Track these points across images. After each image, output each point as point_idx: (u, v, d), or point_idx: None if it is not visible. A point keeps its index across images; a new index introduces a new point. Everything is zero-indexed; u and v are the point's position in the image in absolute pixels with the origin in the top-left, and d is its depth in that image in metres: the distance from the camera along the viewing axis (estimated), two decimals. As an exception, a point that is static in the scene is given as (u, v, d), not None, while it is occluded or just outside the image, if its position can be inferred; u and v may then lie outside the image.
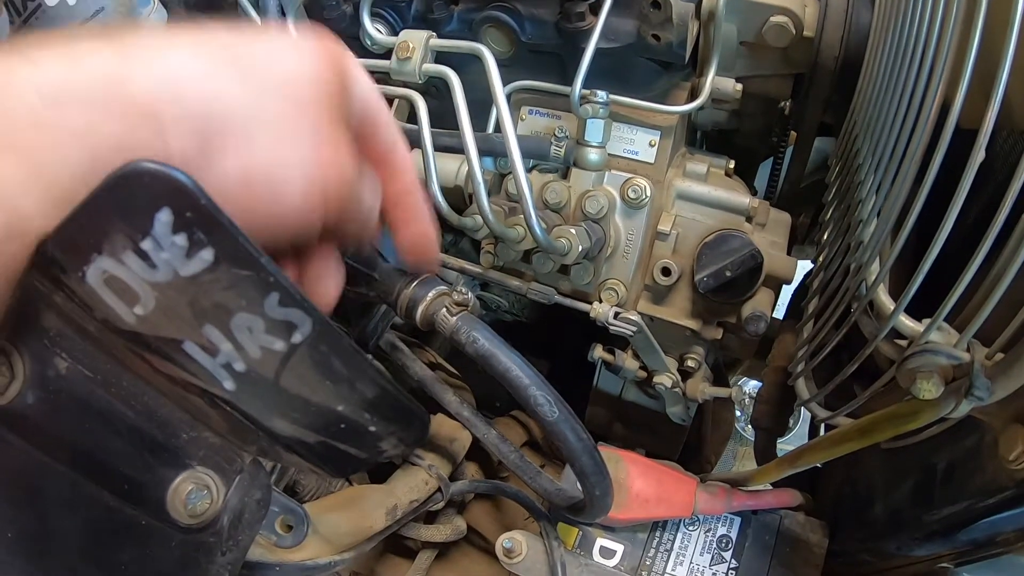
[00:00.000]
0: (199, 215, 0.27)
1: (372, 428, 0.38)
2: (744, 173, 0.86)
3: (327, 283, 0.39)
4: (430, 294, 0.45)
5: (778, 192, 0.84)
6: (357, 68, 0.38)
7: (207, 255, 0.28)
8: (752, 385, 1.58)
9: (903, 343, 0.48)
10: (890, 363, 0.49)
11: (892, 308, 0.46)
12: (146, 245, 0.27)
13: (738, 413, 1.67)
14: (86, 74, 0.27)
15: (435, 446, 0.73)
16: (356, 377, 0.35)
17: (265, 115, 0.32)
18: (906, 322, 0.46)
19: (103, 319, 0.29)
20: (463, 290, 0.45)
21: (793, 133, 0.82)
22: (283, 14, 0.70)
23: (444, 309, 0.44)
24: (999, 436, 0.48)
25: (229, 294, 0.30)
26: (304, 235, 0.35)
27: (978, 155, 0.42)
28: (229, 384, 0.32)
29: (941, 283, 0.45)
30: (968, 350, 0.46)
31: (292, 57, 0.34)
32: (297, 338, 0.32)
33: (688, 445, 0.92)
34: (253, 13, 0.70)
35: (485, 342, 0.43)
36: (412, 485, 0.64)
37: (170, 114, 0.28)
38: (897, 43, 0.54)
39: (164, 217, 0.27)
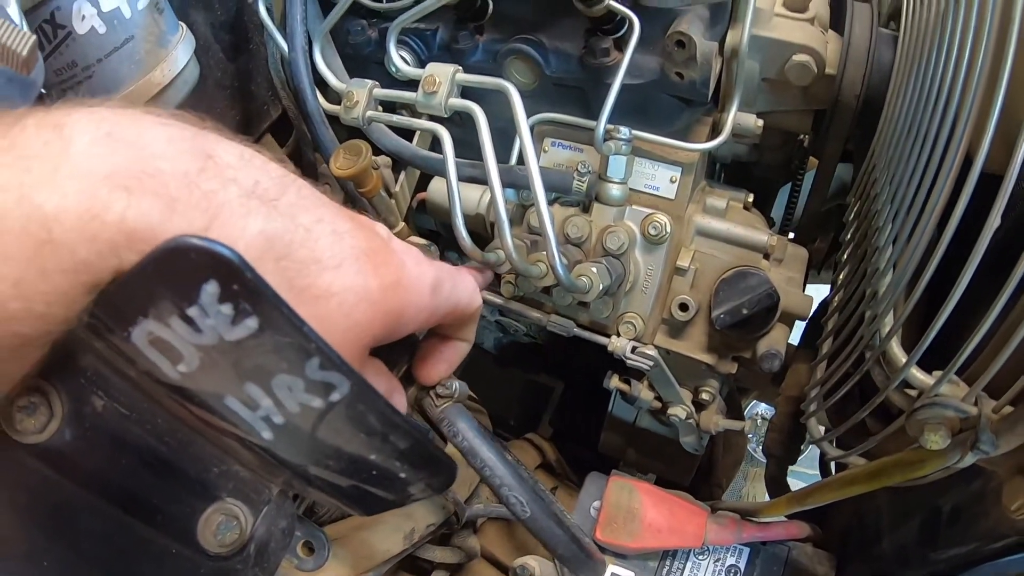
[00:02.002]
0: (245, 287, 0.29)
1: (402, 475, 0.40)
2: (762, 201, 0.88)
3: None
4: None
5: (795, 220, 0.86)
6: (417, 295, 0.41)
7: (252, 323, 0.30)
8: (764, 407, 1.60)
9: (913, 393, 0.49)
10: (901, 410, 0.51)
11: (904, 360, 0.48)
12: (192, 312, 0.29)
13: (749, 435, 1.69)
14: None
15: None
16: (390, 431, 0.37)
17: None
18: (917, 375, 0.48)
19: (145, 371, 0.31)
20: (447, 383, 0.49)
21: (812, 159, 0.84)
22: (310, 39, 0.72)
23: (429, 398, 0.48)
24: (1003, 485, 0.50)
25: (271, 357, 0.32)
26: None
27: (994, 221, 0.43)
28: (267, 434, 0.34)
29: (954, 334, 0.47)
30: (976, 403, 0.47)
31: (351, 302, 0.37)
32: (335, 397, 0.34)
33: (700, 469, 0.94)
34: (279, 38, 0.72)
35: (466, 438, 0.47)
36: (430, 509, 0.67)
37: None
38: (920, 88, 0.55)
39: (211, 288, 0.29)
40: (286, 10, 0.70)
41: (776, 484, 0.81)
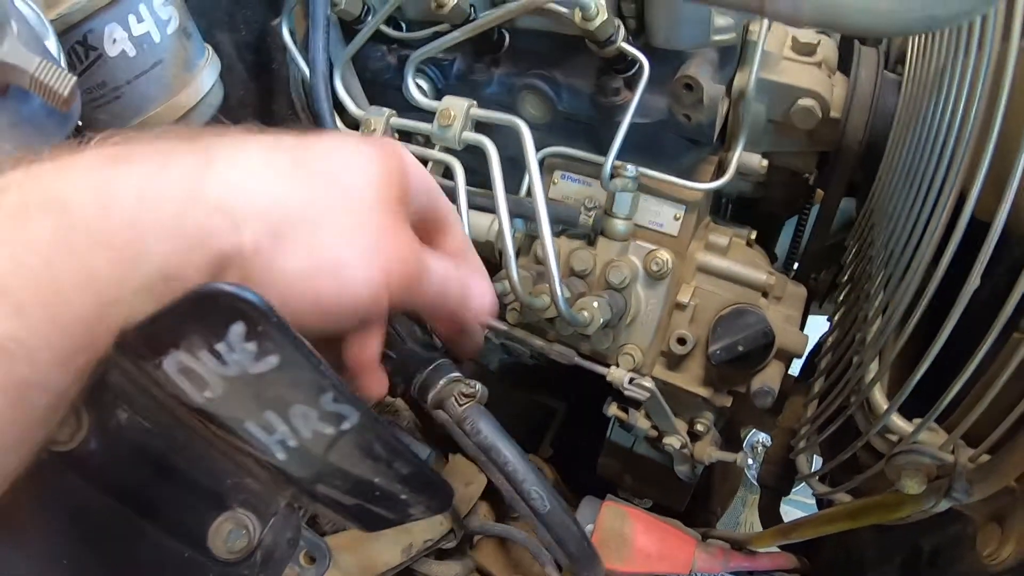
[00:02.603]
0: (269, 329, 0.33)
1: (404, 496, 0.44)
2: (767, 235, 0.92)
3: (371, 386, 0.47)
4: (441, 381, 0.52)
5: (800, 255, 0.90)
6: (415, 166, 0.44)
7: (273, 360, 0.34)
8: (764, 436, 1.63)
9: (894, 438, 0.53)
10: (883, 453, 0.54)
11: (885, 407, 0.52)
12: (220, 347, 0.33)
13: (750, 461, 1.72)
14: (175, 176, 0.33)
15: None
16: (394, 458, 0.41)
17: (330, 215, 0.38)
18: (897, 422, 0.52)
19: (172, 395, 0.36)
20: (471, 383, 0.52)
21: (819, 191, 0.87)
22: (331, 64, 0.77)
23: (453, 398, 0.51)
24: (978, 531, 0.53)
25: (290, 390, 0.36)
26: (372, 317, 0.41)
27: (974, 280, 0.47)
28: (281, 456, 0.39)
29: (941, 383, 0.51)
30: (953, 451, 0.51)
31: (354, 162, 0.40)
32: (346, 426, 0.38)
33: (696, 496, 0.98)
34: (302, 63, 0.77)
35: (488, 435, 0.50)
36: (428, 525, 0.71)
37: (243, 212, 0.34)
38: (916, 139, 0.59)
39: (238, 328, 0.33)
40: (309, 35, 0.74)
41: (769, 515, 0.85)
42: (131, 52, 0.64)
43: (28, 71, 0.44)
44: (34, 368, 0.27)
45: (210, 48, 0.72)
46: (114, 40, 0.62)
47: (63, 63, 0.52)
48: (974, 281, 0.46)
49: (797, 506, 1.23)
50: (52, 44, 0.52)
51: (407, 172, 0.43)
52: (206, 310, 0.32)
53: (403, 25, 0.79)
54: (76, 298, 0.28)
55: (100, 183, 0.30)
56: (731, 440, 0.98)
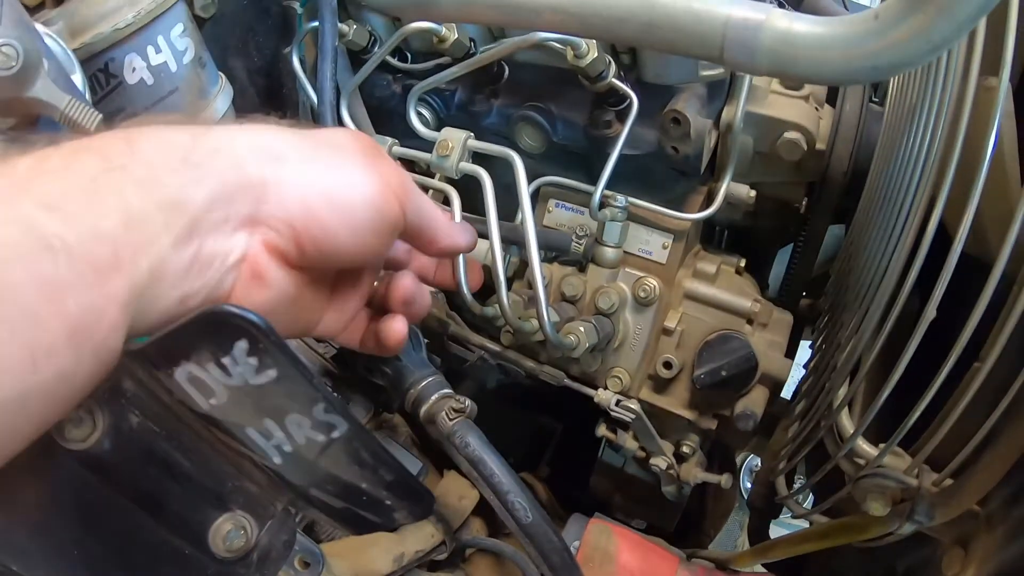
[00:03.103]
0: (269, 346, 0.38)
1: (388, 502, 0.48)
2: (760, 263, 0.96)
3: (404, 280, 0.54)
4: (433, 396, 0.57)
5: (790, 281, 0.93)
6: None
7: (272, 373, 0.39)
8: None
9: (861, 461, 0.57)
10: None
11: (851, 431, 0.56)
12: (225, 361, 0.38)
13: (749, 485, 1.75)
14: (183, 132, 0.39)
15: (445, 501, 0.84)
16: (379, 465, 0.46)
17: (322, 149, 0.44)
18: (863, 446, 0.56)
19: (181, 401, 0.40)
20: (461, 399, 0.56)
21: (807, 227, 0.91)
22: (338, 91, 0.82)
23: (444, 412, 0.56)
24: (943, 555, 0.57)
25: (286, 400, 0.41)
26: (395, 223, 0.46)
27: (930, 312, 0.51)
28: (277, 459, 0.43)
29: (910, 407, 0.55)
30: (917, 476, 0.55)
31: (338, 132, 0.48)
32: (336, 434, 0.43)
33: (690, 518, 1.02)
34: (310, 90, 0.82)
35: (476, 448, 0.55)
36: (420, 537, 0.75)
37: (242, 151, 0.40)
38: (890, 171, 0.63)
39: (242, 344, 0.38)
40: (318, 64, 0.79)
41: (758, 536, 0.88)
42: (149, 80, 0.69)
43: (59, 108, 0.49)
44: (73, 267, 0.32)
45: (223, 76, 0.77)
46: (133, 69, 0.68)
47: (87, 94, 0.57)
48: (930, 313, 0.50)
49: (791, 529, 1.26)
50: (78, 78, 0.57)
51: (369, 138, 0.50)
52: (215, 328, 0.37)
53: (408, 55, 0.84)
54: (109, 217, 0.33)
55: (128, 138, 0.37)
56: (726, 464, 1.02)
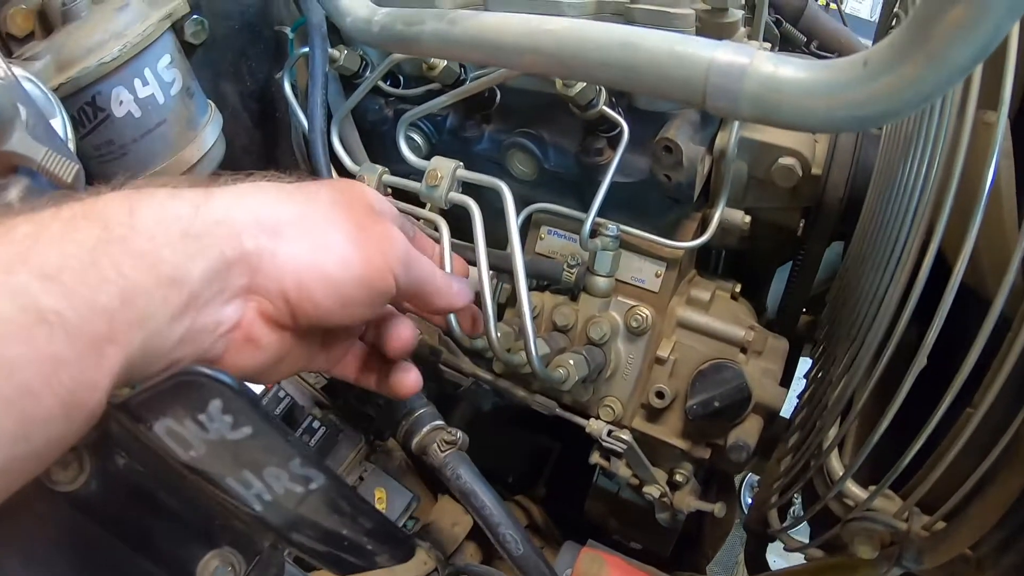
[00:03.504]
0: (242, 405, 0.38)
1: (369, 547, 0.49)
2: (758, 284, 0.95)
3: (401, 328, 0.54)
4: (424, 429, 0.56)
5: (787, 303, 0.93)
6: (374, 193, 0.52)
7: (247, 430, 0.39)
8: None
9: (851, 503, 0.56)
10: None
11: (841, 473, 0.55)
12: (202, 418, 0.39)
13: (749, 501, 1.74)
14: (184, 203, 0.39)
15: (438, 528, 0.83)
16: (358, 514, 0.46)
17: (319, 216, 0.45)
18: (852, 488, 0.55)
19: (162, 451, 0.40)
20: (452, 431, 0.56)
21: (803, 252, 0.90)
22: (330, 116, 0.82)
23: (435, 444, 0.55)
24: (933, 599, 0.56)
25: (263, 454, 0.41)
26: (387, 294, 0.47)
27: (921, 360, 0.50)
28: (258, 507, 0.43)
29: (900, 447, 0.54)
30: (907, 519, 0.54)
31: (324, 187, 0.48)
32: (313, 486, 0.43)
33: (688, 539, 1.01)
34: (301, 116, 0.82)
35: (467, 480, 0.54)
36: (412, 564, 0.74)
37: (241, 223, 0.41)
38: (886, 203, 0.62)
39: (217, 403, 0.38)
40: (309, 92, 0.79)
41: (755, 559, 0.88)
42: (136, 113, 0.69)
43: (36, 160, 0.49)
44: (69, 343, 0.32)
45: (212, 105, 0.77)
46: (120, 102, 0.68)
47: (70, 134, 0.57)
48: (920, 361, 0.49)
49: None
50: (59, 123, 0.57)
51: (370, 193, 0.51)
52: (190, 390, 0.38)
53: (401, 79, 0.84)
54: (107, 291, 0.34)
55: (129, 207, 0.37)
56: (725, 486, 1.01)
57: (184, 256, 0.38)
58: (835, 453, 0.56)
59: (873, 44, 0.41)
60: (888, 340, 0.53)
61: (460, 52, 0.50)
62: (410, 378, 0.55)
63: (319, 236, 0.44)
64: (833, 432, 0.57)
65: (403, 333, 0.54)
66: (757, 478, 1.69)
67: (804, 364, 0.93)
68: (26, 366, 0.31)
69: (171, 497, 0.42)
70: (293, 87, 0.84)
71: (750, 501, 1.76)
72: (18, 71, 0.51)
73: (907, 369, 0.51)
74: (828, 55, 1.14)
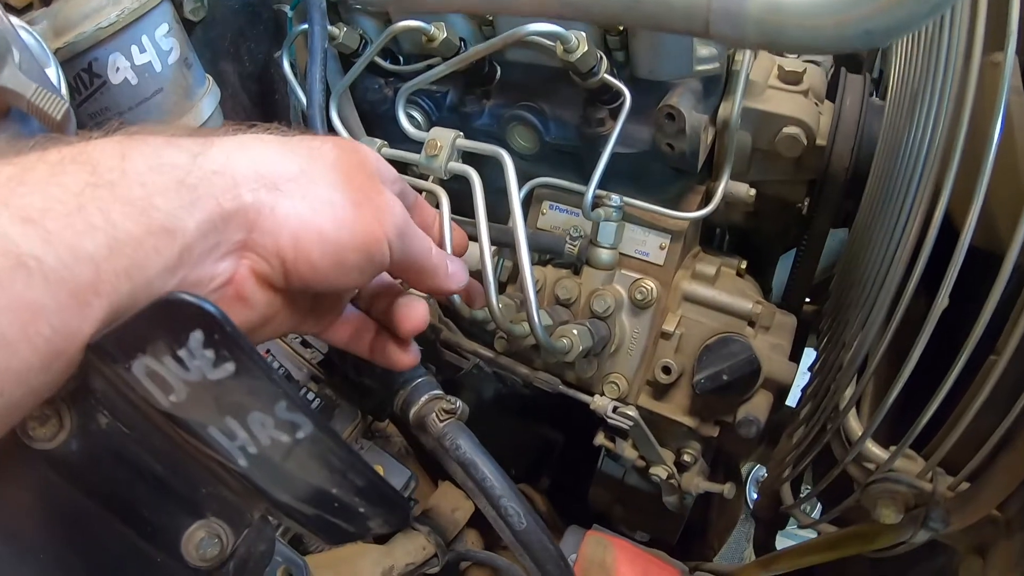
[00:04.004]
0: (224, 337, 0.35)
1: (361, 509, 0.45)
2: (763, 266, 0.92)
3: (414, 309, 0.51)
4: (423, 398, 0.53)
5: (793, 285, 0.89)
6: (380, 159, 0.49)
7: (230, 367, 0.36)
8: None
9: (871, 466, 0.53)
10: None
11: (860, 434, 0.52)
12: (181, 353, 0.35)
13: (755, 495, 1.70)
14: (180, 150, 0.37)
15: (438, 513, 0.80)
16: (348, 469, 0.42)
17: (319, 174, 0.42)
18: (872, 449, 0.52)
19: (142, 398, 0.37)
20: (451, 399, 0.52)
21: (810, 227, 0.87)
22: (328, 94, 0.79)
23: (434, 414, 0.52)
24: (960, 564, 0.53)
25: (247, 397, 0.37)
26: (382, 261, 0.44)
27: (942, 301, 0.47)
28: (243, 462, 0.40)
29: (918, 408, 0.51)
30: (931, 480, 0.51)
31: (327, 146, 0.45)
32: (300, 435, 0.39)
33: (694, 530, 0.97)
34: (300, 92, 0.80)
35: (467, 451, 0.51)
36: (410, 549, 0.71)
37: (241, 174, 0.38)
38: (893, 163, 0.59)
39: (197, 336, 0.35)
40: (308, 68, 0.77)
41: (764, 548, 0.84)
42: (133, 80, 0.67)
43: (25, 96, 0.47)
44: (49, 290, 0.30)
45: (210, 78, 0.75)
46: (117, 69, 0.66)
47: (64, 90, 0.55)
48: (942, 301, 0.46)
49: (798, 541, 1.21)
50: (53, 72, 0.55)
51: (372, 157, 0.47)
52: (170, 317, 0.34)
53: (400, 59, 0.82)
54: (93, 238, 0.31)
55: (121, 152, 0.34)
56: (730, 475, 0.97)
57: (178, 205, 0.35)
58: (853, 412, 0.52)
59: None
60: (902, 294, 0.50)
61: (460, 2, 0.48)
62: (409, 353, 0.52)
63: (319, 195, 0.41)
64: (850, 391, 0.54)
65: (417, 314, 0.51)
66: (762, 473, 1.65)
67: (807, 360, 0.90)
68: (1, 314, 0.28)
69: (156, 461, 0.39)
70: (292, 66, 0.81)
71: (756, 496, 1.72)
72: (15, 20, 0.49)
73: (920, 328, 0.48)
74: None
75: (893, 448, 0.51)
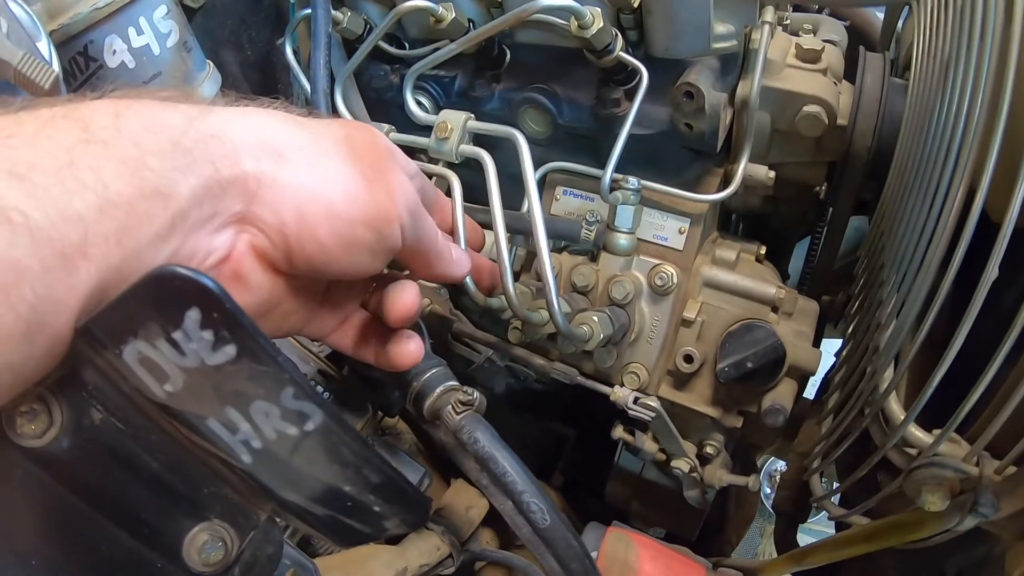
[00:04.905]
0: (224, 316, 0.31)
1: (376, 508, 0.40)
2: (779, 253, 0.88)
3: (404, 291, 0.45)
4: (438, 389, 0.48)
5: (812, 273, 0.85)
6: (397, 149, 0.45)
7: (230, 350, 0.32)
8: (782, 465, 1.57)
9: (913, 451, 0.49)
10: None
11: (902, 418, 0.48)
12: (176, 336, 0.31)
13: (768, 490, 1.66)
14: (177, 112, 0.34)
15: (452, 512, 0.75)
16: (362, 464, 0.38)
17: (329, 147, 0.38)
18: (915, 432, 0.47)
19: (136, 389, 0.33)
20: (468, 390, 0.48)
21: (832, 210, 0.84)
22: (332, 80, 0.75)
23: (450, 406, 0.48)
24: (1007, 551, 0.49)
25: (249, 384, 0.33)
26: (393, 242, 0.40)
27: (991, 273, 0.43)
28: (246, 458, 0.36)
29: (960, 391, 0.46)
30: (977, 463, 0.46)
31: (337, 123, 0.41)
32: (309, 427, 0.35)
33: (711, 524, 0.93)
34: (303, 79, 0.76)
35: (486, 444, 0.46)
36: (424, 549, 0.67)
37: (241, 141, 0.35)
38: (923, 139, 0.55)
39: (193, 315, 0.31)
40: (311, 53, 0.73)
41: (785, 542, 0.80)
42: (130, 63, 0.63)
43: (12, 64, 0.43)
44: (34, 249, 0.27)
45: (211, 63, 0.71)
46: (114, 51, 0.62)
47: (55, 64, 0.51)
48: (992, 272, 0.42)
49: (816, 536, 1.17)
50: (44, 46, 0.51)
51: (383, 138, 0.43)
52: (162, 293, 0.30)
53: (406, 44, 0.78)
54: (83, 197, 0.29)
55: (115, 111, 0.32)
56: (747, 468, 0.93)
57: (172, 167, 0.32)
58: (893, 396, 0.48)
59: None
60: (946, 271, 0.46)
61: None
62: (411, 347, 0.47)
63: (327, 167, 0.37)
64: (889, 374, 0.49)
65: (407, 297, 0.45)
66: (777, 466, 1.61)
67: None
68: None
69: (154, 460, 0.35)
70: (295, 53, 0.77)
71: (769, 491, 1.68)
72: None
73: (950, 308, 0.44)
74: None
75: (937, 432, 0.47)
